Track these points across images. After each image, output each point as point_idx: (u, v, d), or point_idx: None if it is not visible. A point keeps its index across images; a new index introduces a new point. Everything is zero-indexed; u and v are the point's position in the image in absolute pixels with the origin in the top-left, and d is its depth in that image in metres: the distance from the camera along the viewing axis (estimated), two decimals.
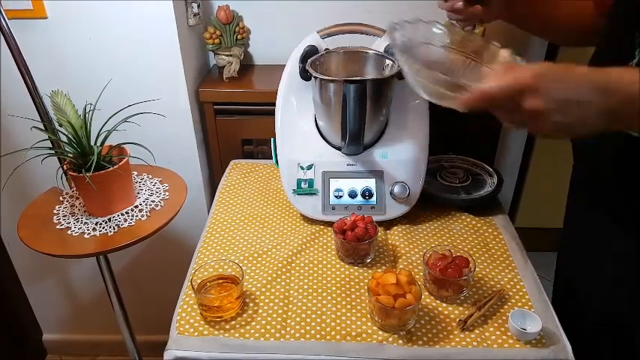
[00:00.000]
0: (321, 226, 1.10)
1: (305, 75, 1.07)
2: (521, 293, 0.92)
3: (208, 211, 1.19)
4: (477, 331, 0.85)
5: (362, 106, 0.98)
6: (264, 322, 0.87)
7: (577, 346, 0.83)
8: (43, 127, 1.09)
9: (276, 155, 1.14)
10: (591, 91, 0.60)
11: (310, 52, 1.09)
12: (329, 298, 0.92)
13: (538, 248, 1.79)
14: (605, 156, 0.84)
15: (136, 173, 1.18)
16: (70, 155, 1.02)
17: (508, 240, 1.06)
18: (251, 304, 0.91)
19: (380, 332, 0.85)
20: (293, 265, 1.00)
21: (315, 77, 1.03)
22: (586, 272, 0.96)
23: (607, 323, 0.90)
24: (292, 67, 1.10)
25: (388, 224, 1.11)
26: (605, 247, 0.89)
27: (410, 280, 0.85)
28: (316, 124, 1.13)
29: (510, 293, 0.92)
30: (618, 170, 0.82)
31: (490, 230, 1.09)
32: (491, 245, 1.05)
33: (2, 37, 1.03)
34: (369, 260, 1.00)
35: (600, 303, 0.91)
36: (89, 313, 1.76)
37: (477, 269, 0.97)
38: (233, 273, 0.94)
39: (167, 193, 1.13)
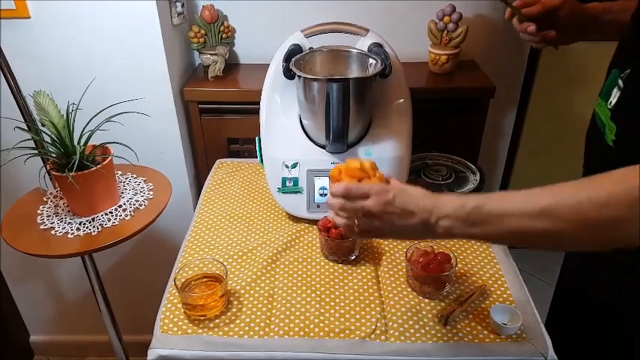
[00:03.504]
0: (306, 224, 1.11)
1: (289, 74, 1.07)
2: (502, 288, 0.94)
3: (194, 210, 1.19)
4: (458, 327, 0.86)
5: (345, 105, 0.99)
6: (248, 319, 0.88)
7: (575, 344, 0.84)
8: (26, 128, 1.09)
9: (261, 154, 1.14)
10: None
11: (294, 51, 1.09)
12: (313, 295, 0.93)
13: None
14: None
15: (120, 173, 1.18)
16: (54, 155, 1.02)
17: None
18: (235, 303, 0.91)
19: (363, 328, 0.86)
20: (278, 263, 1.00)
21: (299, 76, 1.03)
22: (590, 273, 0.96)
23: (607, 322, 0.91)
24: (276, 66, 1.11)
25: None
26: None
27: (374, 167, 0.80)
28: (301, 122, 1.13)
29: (492, 288, 0.94)
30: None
31: None
32: (473, 241, 1.06)
33: None
34: (353, 257, 1.01)
35: (601, 302, 0.92)
36: (76, 314, 1.75)
37: (459, 265, 0.98)
38: (217, 272, 0.94)
39: (151, 193, 1.13)
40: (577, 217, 0.59)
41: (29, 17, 1.20)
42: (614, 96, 0.77)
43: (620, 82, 0.76)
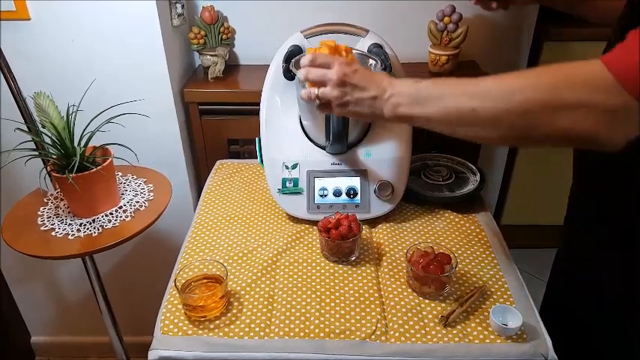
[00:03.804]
0: (306, 225, 1.11)
1: (289, 75, 1.07)
2: (503, 289, 0.94)
3: (194, 211, 1.19)
4: (458, 327, 0.86)
5: None
6: (248, 320, 0.88)
7: (568, 344, 0.84)
8: (26, 129, 1.09)
9: (261, 155, 1.14)
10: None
11: (294, 51, 1.09)
12: (313, 296, 0.93)
13: (525, 245, 1.82)
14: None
15: (120, 174, 1.18)
16: (54, 156, 1.02)
17: (490, 236, 1.07)
18: (235, 304, 0.91)
19: (363, 329, 0.86)
20: (278, 264, 1.00)
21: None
22: (582, 273, 0.97)
23: (600, 322, 0.92)
24: (276, 66, 1.11)
25: (373, 222, 1.12)
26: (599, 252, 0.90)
27: (348, 50, 0.87)
28: (301, 123, 1.13)
29: (492, 289, 0.94)
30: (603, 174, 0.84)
31: (473, 227, 1.10)
32: (473, 242, 1.06)
33: None
34: (353, 258, 1.01)
35: (594, 303, 0.93)
36: (77, 315, 1.76)
37: (459, 266, 0.98)
38: (217, 273, 0.94)
39: (152, 194, 1.13)
40: (512, 99, 0.63)
41: (29, 19, 1.20)
42: None
43: None
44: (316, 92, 0.79)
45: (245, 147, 1.43)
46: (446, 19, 1.35)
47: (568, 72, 0.62)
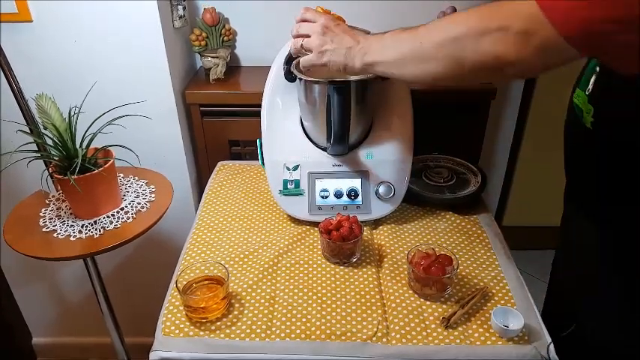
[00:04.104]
0: (308, 227, 1.11)
1: (290, 76, 1.07)
2: (504, 291, 0.94)
3: (196, 213, 1.19)
4: (460, 329, 0.86)
5: (346, 108, 0.99)
6: (249, 322, 0.88)
7: (565, 345, 0.85)
8: (28, 130, 1.09)
9: (262, 156, 1.15)
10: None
11: None
12: (314, 297, 0.93)
13: (526, 247, 1.81)
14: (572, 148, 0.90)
15: (122, 175, 1.19)
16: (56, 158, 1.02)
17: (491, 238, 1.07)
18: (237, 305, 0.91)
19: (364, 331, 0.86)
20: (279, 265, 1.00)
21: (300, 79, 1.04)
22: (578, 272, 0.97)
23: (600, 321, 0.92)
24: (277, 68, 1.11)
25: (374, 224, 1.12)
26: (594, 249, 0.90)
27: (341, 18, 0.95)
28: (302, 125, 1.14)
29: (494, 291, 0.94)
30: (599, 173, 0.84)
31: (474, 229, 1.10)
32: (475, 243, 1.06)
33: None
34: (354, 260, 1.01)
35: (591, 304, 0.93)
36: (78, 316, 1.76)
37: (460, 267, 0.98)
38: (219, 274, 0.94)
39: (153, 195, 1.13)
40: (450, 29, 0.71)
41: (31, 21, 1.20)
42: (592, 82, 0.81)
43: (597, 67, 0.81)
44: (301, 43, 0.89)
45: (246, 148, 1.44)
46: None
47: (501, 5, 0.66)
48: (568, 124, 0.92)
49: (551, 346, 0.83)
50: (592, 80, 0.82)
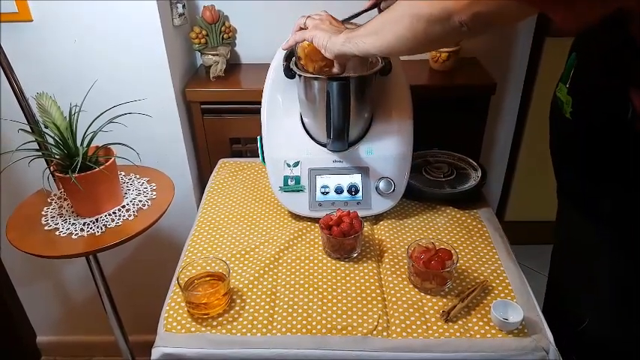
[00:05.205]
0: (308, 223, 1.11)
1: (289, 73, 1.08)
2: (504, 284, 0.94)
3: (197, 210, 1.19)
4: (460, 322, 0.86)
5: (346, 104, 0.99)
6: (250, 317, 0.89)
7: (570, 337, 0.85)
8: (29, 129, 1.10)
9: (262, 153, 1.15)
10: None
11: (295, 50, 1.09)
12: (315, 292, 0.93)
13: (528, 241, 1.82)
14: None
15: (123, 173, 1.19)
16: (57, 157, 1.03)
17: (492, 232, 1.07)
18: (238, 301, 0.92)
19: (365, 325, 0.86)
20: (280, 261, 1.01)
21: (300, 75, 1.04)
22: (575, 267, 0.97)
23: (598, 313, 0.92)
24: (277, 65, 1.11)
25: (375, 219, 1.12)
26: (589, 244, 0.91)
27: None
28: (302, 121, 1.14)
29: (493, 284, 0.94)
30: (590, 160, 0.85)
31: (474, 223, 1.10)
32: (475, 238, 1.06)
33: None
34: (355, 255, 1.01)
35: (589, 299, 0.93)
36: (82, 315, 1.77)
37: (460, 261, 0.99)
38: (220, 270, 0.95)
39: (154, 193, 1.14)
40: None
41: (31, 20, 1.21)
42: (571, 75, 0.85)
43: (575, 61, 0.84)
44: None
45: (247, 146, 1.44)
46: None
47: None
48: (551, 115, 0.95)
49: (551, 338, 0.83)
50: (572, 73, 0.85)
